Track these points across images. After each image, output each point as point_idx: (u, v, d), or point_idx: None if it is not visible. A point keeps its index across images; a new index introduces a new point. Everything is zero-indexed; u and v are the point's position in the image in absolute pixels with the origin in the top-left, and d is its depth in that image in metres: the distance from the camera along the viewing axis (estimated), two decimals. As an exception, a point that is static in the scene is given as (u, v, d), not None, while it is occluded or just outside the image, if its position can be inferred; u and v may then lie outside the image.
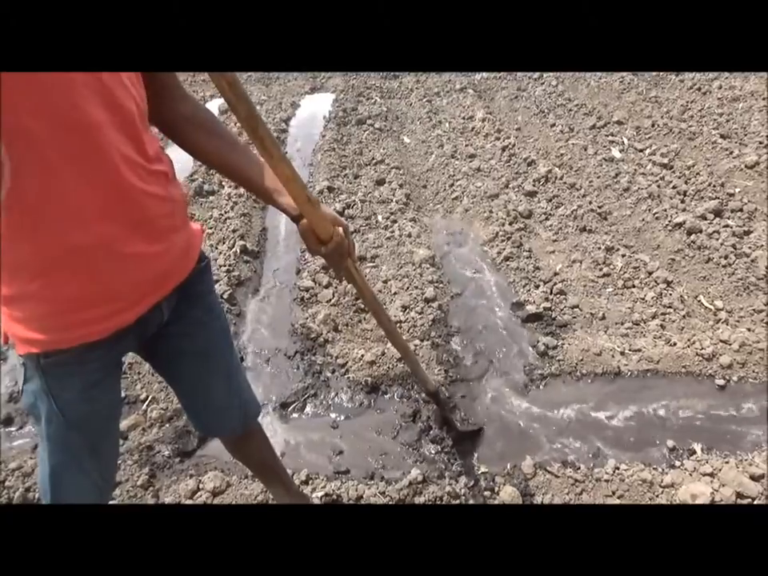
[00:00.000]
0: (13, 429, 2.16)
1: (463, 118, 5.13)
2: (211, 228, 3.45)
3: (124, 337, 0.99)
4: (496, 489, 1.79)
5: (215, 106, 5.84)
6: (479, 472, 1.87)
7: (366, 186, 3.94)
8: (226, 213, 3.57)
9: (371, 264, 3.05)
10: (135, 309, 0.97)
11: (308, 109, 5.88)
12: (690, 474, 1.78)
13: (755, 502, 1.65)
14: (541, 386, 2.24)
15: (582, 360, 2.31)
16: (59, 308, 0.88)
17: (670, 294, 2.62)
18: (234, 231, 3.35)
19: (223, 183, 3.99)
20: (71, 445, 1.04)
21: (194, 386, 1.22)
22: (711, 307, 2.54)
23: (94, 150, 0.80)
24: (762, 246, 2.80)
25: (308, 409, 2.21)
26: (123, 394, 2.25)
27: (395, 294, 2.76)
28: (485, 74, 6.42)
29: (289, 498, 1.59)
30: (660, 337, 2.39)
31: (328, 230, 1.09)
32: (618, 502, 1.72)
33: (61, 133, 0.76)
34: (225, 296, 2.77)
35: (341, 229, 1.11)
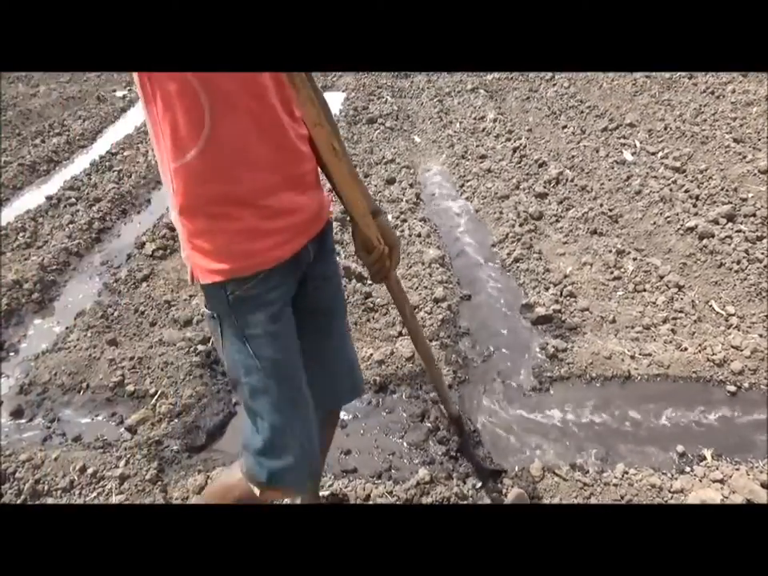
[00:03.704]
0: (23, 421, 2.18)
1: (474, 119, 5.13)
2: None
3: (289, 270, 1.09)
4: (503, 491, 1.78)
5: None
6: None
7: (376, 185, 3.94)
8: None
9: (380, 263, 3.05)
10: (296, 240, 1.09)
11: (319, 107, 5.89)
12: (700, 480, 1.77)
13: (766, 510, 1.64)
14: (549, 389, 2.23)
15: (591, 363, 2.29)
16: (239, 238, 1.02)
17: (681, 299, 2.61)
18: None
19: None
20: (280, 389, 1.07)
21: (319, 348, 1.25)
22: (723, 312, 2.53)
23: (268, 110, 0.97)
24: (775, 251, 2.78)
25: (316, 407, 2.21)
26: (132, 389, 2.26)
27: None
28: (496, 74, 6.42)
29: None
30: (671, 341, 2.37)
31: (372, 241, 1.18)
32: (626, 506, 1.71)
33: (246, 95, 0.94)
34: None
35: (387, 248, 1.20)
